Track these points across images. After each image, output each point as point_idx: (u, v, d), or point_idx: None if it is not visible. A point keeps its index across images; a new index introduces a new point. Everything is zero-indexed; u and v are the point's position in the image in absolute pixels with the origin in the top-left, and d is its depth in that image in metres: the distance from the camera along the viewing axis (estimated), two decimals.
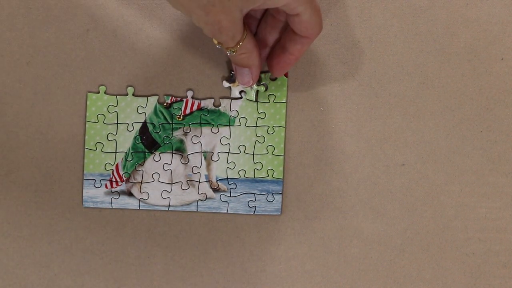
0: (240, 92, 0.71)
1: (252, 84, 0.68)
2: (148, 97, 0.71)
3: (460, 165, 0.72)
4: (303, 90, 0.72)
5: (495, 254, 0.72)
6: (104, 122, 0.71)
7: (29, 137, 0.72)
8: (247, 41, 0.62)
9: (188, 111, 0.71)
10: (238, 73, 0.67)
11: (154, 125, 0.71)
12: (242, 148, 0.72)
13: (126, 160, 0.71)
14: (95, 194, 0.72)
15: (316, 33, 0.63)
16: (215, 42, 0.62)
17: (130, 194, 0.72)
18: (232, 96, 0.71)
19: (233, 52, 0.62)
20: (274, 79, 0.71)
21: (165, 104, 0.71)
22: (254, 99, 0.71)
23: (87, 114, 0.71)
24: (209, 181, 0.72)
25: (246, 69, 0.66)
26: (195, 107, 0.71)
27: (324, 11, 0.71)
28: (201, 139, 0.72)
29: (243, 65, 0.66)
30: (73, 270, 0.72)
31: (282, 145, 0.72)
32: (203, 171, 0.72)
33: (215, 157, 0.72)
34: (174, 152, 0.72)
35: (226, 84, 0.71)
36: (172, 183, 0.72)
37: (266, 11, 0.67)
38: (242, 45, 0.62)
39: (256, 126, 0.72)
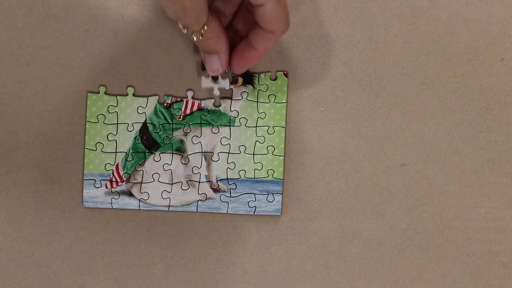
0: (241, 92, 0.71)
1: (222, 72, 0.66)
2: (148, 97, 0.71)
3: (460, 165, 0.72)
4: (303, 90, 0.72)
5: (495, 254, 0.73)
6: (104, 122, 0.71)
7: (29, 137, 0.72)
8: (213, 25, 0.61)
9: (188, 111, 0.71)
10: (206, 61, 0.65)
11: (154, 125, 0.71)
12: (242, 148, 0.72)
13: (126, 160, 0.71)
14: (95, 194, 0.72)
15: (281, 28, 0.62)
16: (180, 26, 0.60)
17: (130, 194, 0.72)
18: (233, 97, 0.72)
19: (199, 36, 0.61)
20: (274, 79, 0.71)
21: (165, 104, 0.71)
22: (255, 99, 0.72)
23: (87, 114, 0.71)
24: (209, 181, 0.72)
25: (215, 56, 0.65)
26: (195, 107, 0.71)
27: (324, 11, 0.71)
28: (201, 139, 0.72)
29: (210, 51, 0.64)
30: (73, 270, 0.72)
31: (282, 146, 0.72)
32: (203, 171, 0.72)
33: (215, 157, 0.72)
34: (174, 152, 0.72)
35: (227, 86, 0.71)
36: (172, 183, 0.72)
37: (240, 4, 0.66)
38: (208, 28, 0.60)
39: (256, 126, 0.72)
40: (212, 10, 0.60)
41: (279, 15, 0.61)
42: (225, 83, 0.70)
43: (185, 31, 0.61)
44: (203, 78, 0.70)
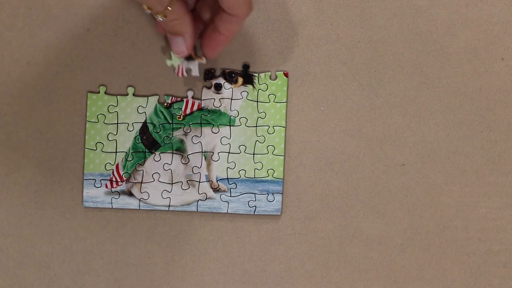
0: (241, 92, 0.72)
1: (188, 54, 0.67)
2: (149, 97, 0.71)
3: (460, 165, 0.72)
4: (303, 90, 0.72)
5: (495, 254, 0.73)
6: (105, 122, 0.71)
7: (29, 137, 0.72)
8: (176, 6, 0.62)
9: (188, 111, 0.71)
10: (172, 43, 0.66)
11: (154, 125, 0.71)
12: (242, 148, 0.72)
13: (126, 160, 0.71)
14: (95, 194, 0.72)
15: (244, 12, 0.63)
16: (145, 7, 0.62)
17: (130, 194, 0.72)
18: (233, 97, 0.72)
19: (163, 18, 0.62)
20: (274, 79, 0.71)
21: (165, 104, 0.71)
22: (254, 99, 0.72)
23: (87, 114, 0.71)
24: (209, 181, 0.72)
25: (180, 38, 0.66)
26: (195, 107, 0.71)
27: (325, 11, 0.71)
28: (202, 139, 0.72)
29: (175, 33, 0.65)
30: (73, 270, 0.72)
31: (282, 145, 0.72)
32: (203, 171, 0.72)
33: (215, 157, 0.72)
34: (174, 152, 0.72)
35: (227, 85, 0.71)
36: (172, 183, 0.72)
37: None
38: (172, 10, 0.61)
39: (256, 126, 0.72)
40: None
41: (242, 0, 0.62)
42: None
43: (149, 12, 0.62)
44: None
